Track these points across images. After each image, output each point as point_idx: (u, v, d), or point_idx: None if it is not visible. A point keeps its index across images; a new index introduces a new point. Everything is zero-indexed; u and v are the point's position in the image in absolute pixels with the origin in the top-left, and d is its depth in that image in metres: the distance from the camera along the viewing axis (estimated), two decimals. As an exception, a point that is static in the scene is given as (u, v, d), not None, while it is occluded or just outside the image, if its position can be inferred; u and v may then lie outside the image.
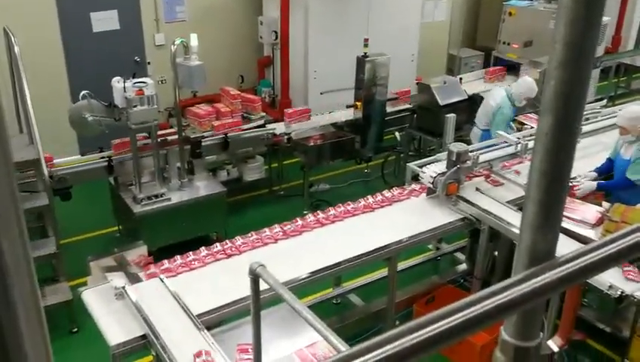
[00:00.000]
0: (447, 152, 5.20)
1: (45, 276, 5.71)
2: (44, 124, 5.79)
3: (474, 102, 7.58)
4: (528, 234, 1.05)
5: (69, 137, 7.12)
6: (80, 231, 6.65)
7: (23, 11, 7.24)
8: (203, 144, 6.58)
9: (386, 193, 5.33)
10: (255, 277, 2.45)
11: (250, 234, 4.64)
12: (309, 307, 4.53)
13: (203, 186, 6.60)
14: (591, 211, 4.85)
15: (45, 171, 5.26)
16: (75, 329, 5.29)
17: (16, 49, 5.40)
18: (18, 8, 7.20)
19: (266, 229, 4.73)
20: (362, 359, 0.84)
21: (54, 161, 5.92)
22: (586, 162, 5.65)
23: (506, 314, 0.97)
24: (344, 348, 2.05)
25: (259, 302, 2.51)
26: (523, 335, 1.10)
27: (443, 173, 5.10)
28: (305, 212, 6.33)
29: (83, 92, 5.66)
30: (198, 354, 3.42)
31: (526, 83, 6.41)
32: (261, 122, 7.23)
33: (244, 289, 3.90)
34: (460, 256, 6.25)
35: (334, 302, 5.58)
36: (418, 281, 5.86)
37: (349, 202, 5.15)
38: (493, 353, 1.16)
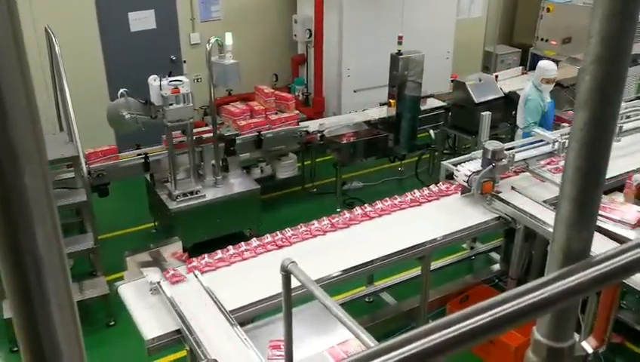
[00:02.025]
0: (482, 150, 5.14)
1: (83, 270, 5.84)
2: (83, 122, 5.92)
3: (510, 100, 7.46)
4: (562, 231, 1.03)
5: (107, 134, 7.25)
6: (117, 227, 6.77)
7: (63, 11, 7.40)
8: (237, 142, 6.64)
9: (420, 191, 5.29)
10: (287, 274, 2.46)
11: (276, 233, 4.65)
12: (341, 305, 4.55)
13: (237, 183, 6.67)
14: (631, 211, 4.73)
15: (84, 168, 5.38)
16: (112, 323, 5.39)
17: (56, 48, 5.53)
18: (58, 8, 7.37)
19: (302, 225, 4.75)
20: (393, 354, 0.83)
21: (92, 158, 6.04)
22: (628, 161, 5.52)
23: (538, 313, 0.96)
24: (374, 345, 2.05)
25: (290, 299, 2.52)
26: (556, 336, 1.08)
27: (478, 172, 5.03)
28: (338, 210, 6.35)
29: (121, 90, 5.77)
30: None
31: (538, 65, 6.39)
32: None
33: (277, 286, 3.95)
34: (495, 255, 6.17)
35: (367, 300, 5.57)
36: (451, 281, 5.81)
37: (383, 199, 5.13)
38: (525, 353, 1.15)
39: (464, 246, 6.21)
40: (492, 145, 5.07)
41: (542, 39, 9.64)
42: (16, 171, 0.48)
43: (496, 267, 5.98)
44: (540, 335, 1.09)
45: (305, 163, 7.71)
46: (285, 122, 6.97)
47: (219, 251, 4.40)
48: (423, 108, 7.39)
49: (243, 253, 4.39)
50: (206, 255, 4.37)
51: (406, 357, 0.84)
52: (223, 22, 8.51)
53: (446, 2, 8.94)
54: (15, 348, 5.19)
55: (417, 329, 0.88)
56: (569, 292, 0.93)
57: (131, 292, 4.07)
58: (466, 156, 5.61)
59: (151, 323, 3.78)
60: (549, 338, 1.08)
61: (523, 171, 5.48)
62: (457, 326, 0.88)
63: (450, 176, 5.46)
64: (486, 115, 5.80)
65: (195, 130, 6.28)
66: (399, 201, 5.10)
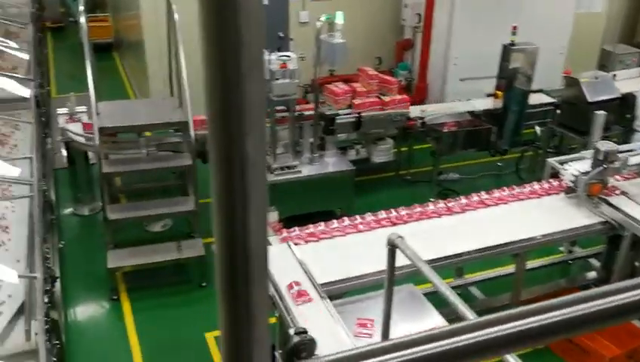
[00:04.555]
0: (593, 150, 4.89)
1: (183, 231, 6.11)
2: (190, 89, 6.13)
3: (626, 101, 7.05)
4: None
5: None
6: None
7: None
8: (337, 121, 6.68)
9: (522, 187, 5.12)
10: (392, 248, 2.46)
11: (380, 212, 4.66)
12: (428, 294, 4.52)
13: (332, 163, 6.73)
14: None
15: (192, 133, 5.59)
16: (204, 284, 5.62)
17: (175, 16, 5.76)
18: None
19: (401, 208, 4.74)
20: (485, 331, 0.82)
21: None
22: None
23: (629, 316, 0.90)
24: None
25: (393, 274, 2.52)
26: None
27: (586, 173, 4.81)
28: (431, 199, 6.25)
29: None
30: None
31: None
32: (396, 104, 7.19)
33: (370, 265, 3.98)
34: (594, 261, 5.88)
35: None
36: (544, 283, 5.62)
37: (482, 192, 5.01)
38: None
39: (561, 248, 5.97)
40: (605, 145, 4.81)
41: (667, 40, 9.00)
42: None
43: (594, 274, 5.71)
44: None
45: (402, 149, 7.64)
46: (398, 104, 6.95)
47: (313, 225, 4.47)
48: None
49: (339, 230, 4.44)
50: (297, 228, 4.44)
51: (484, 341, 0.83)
52: (333, 2, 8.51)
53: (565, -6, 8.53)
54: (115, 297, 5.52)
55: (508, 311, 0.86)
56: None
57: (227, 256, 4.20)
58: (576, 155, 5.36)
59: (243, 286, 3.89)
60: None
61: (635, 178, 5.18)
62: (538, 318, 0.86)
63: (554, 175, 5.25)
64: (600, 114, 5.51)
65: (296, 107, 6.38)
66: (498, 196, 4.96)
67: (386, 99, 6.93)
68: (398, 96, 7.00)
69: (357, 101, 6.82)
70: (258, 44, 0.55)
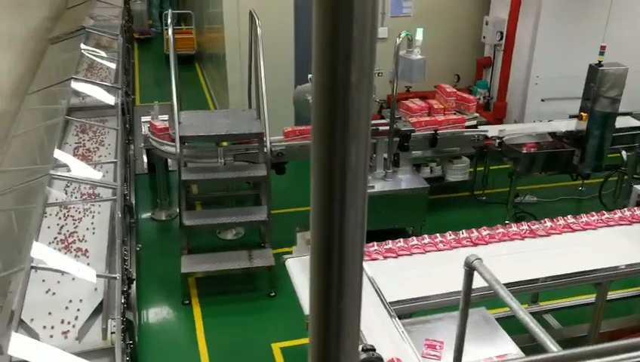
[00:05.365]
0: (686, 178, 4.61)
1: (254, 241, 6.19)
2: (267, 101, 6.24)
3: None
4: None
5: (286, 115, 7.57)
6: (288, 204, 7.05)
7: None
8: (412, 138, 6.61)
9: (613, 213, 4.88)
10: (470, 270, 2.39)
11: (461, 232, 4.55)
12: (500, 319, 4.38)
13: (405, 179, 6.65)
14: None
15: (268, 145, 5.68)
16: (273, 294, 5.66)
17: (258, 30, 5.88)
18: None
19: (483, 228, 4.62)
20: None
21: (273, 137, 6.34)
22: None
23: None
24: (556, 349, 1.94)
25: (470, 296, 2.45)
26: None
27: (678, 201, 4.53)
28: (506, 222, 6.06)
29: (310, 75, 5.98)
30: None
31: None
32: (473, 123, 7.07)
33: (442, 285, 3.89)
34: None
35: (528, 319, 5.27)
36: (626, 315, 5.33)
37: (569, 216, 4.80)
38: None
39: (646, 281, 5.64)
40: (700, 174, 4.52)
41: None
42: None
43: (682, 310, 5.37)
44: None
45: (478, 169, 7.47)
46: (452, 124, 6.81)
47: (392, 241, 4.41)
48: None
49: (417, 247, 4.37)
50: (375, 243, 4.40)
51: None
52: (412, 18, 8.50)
53: (658, 14, 8.14)
54: (186, 301, 5.65)
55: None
56: None
57: (298, 267, 4.22)
58: (666, 182, 5.08)
59: (313, 299, 3.88)
60: None
61: None
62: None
63: (641, 203, 4.98)
64: (695, 140, 5.19)
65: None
66: (585, 220, 4.74)
67: (440, 118, 6.79)
68: (453, 116, 6.84)
69: (413, 119, 6.73)
70: (369, 56, 0.54)
